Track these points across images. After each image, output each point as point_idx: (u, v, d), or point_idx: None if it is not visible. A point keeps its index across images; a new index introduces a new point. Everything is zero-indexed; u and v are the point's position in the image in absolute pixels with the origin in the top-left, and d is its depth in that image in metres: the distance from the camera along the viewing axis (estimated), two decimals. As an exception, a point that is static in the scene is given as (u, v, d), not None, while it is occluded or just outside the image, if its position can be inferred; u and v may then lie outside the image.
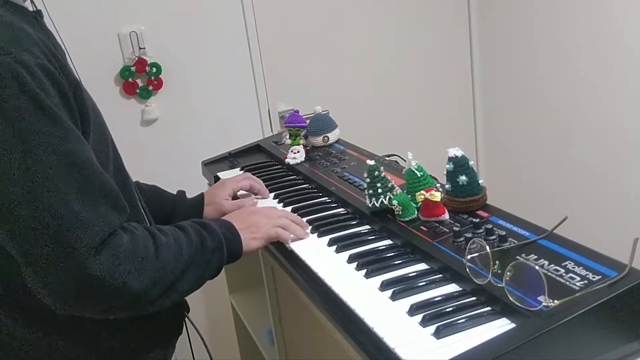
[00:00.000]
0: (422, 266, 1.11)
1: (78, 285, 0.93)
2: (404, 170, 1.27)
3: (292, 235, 1.26)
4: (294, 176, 1.66)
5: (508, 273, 0.92)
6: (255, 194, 1.54)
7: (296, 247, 1.25)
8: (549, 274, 0.94)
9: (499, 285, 0.93)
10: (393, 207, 1.23)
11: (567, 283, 0.91)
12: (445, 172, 1.21)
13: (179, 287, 1.06)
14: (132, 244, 0.98)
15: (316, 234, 1.29)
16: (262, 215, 1.27)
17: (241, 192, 1.54)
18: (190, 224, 1.14)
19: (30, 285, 0.95)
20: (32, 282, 0.94)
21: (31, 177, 0.90)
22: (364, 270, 1.11)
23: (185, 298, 1.26)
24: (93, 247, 0.92)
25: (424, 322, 0.92)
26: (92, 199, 0.95)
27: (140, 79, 2.23)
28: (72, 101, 0.99)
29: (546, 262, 0.97)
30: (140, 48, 2.19)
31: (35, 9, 1.10)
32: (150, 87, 2.24)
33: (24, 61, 0.92)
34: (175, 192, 1.51)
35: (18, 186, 0.90)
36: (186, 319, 1.30)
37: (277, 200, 1.52)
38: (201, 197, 1.49)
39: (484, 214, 1.18)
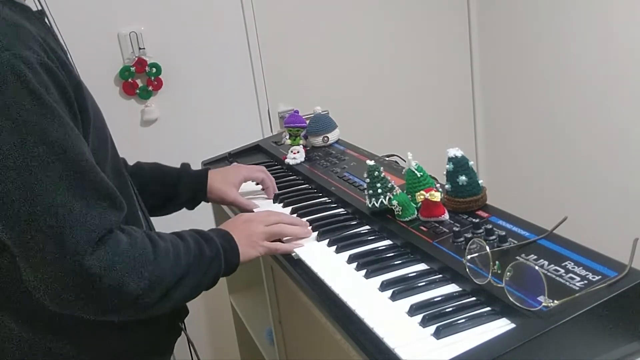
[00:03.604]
0: (422, 266, 1.11)
1: (76, 284, 0.92)
2: (403, 170, 1.27)
3: (294, 243, 1.25)
4: (294, 176, 1.66)
5: (508, 273, 0.92)
6: (263, 189, 1.55)
7: (296, 247, 1.25)
8: (548, 274, 0.94)
9: (499, 285, 0.93)
10: (393, 208, 1.23)
11: (567, 283, 0.91)
12: (445, 172, 1.21)
13: (175, 294, 1.04)
14: (130, 245, 0.98)
15: (316, 234, 1.29)
16: (256, 222, 1.24)
17: (248, 185, 1.54)
18: (189, 233, 1.13)
19: (29, 285, 0.94)
20: (31, 281, 0.94)
21: (29, 174, 0.90)
22: (364, 271, 1.11)
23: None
24: (90, 245, 0.92)
25: (424, 323, 0.92)
26: (90, 196, 0.94)
27: (140, 79, 2.23)
28: (72, 99, 0.99)
29: (546, 262, 0.97)
30: (140, 48, 2.19)
31: (37, 9, 1.09)
32: (150, 88, 2.24)
33: (25, 57, 0.91)
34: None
35: (15, 182, 0.89)
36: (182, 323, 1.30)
37: (277, 200, 1.52)
38: (205, 172, 1.48)
39: (484, 214, 1.18)
